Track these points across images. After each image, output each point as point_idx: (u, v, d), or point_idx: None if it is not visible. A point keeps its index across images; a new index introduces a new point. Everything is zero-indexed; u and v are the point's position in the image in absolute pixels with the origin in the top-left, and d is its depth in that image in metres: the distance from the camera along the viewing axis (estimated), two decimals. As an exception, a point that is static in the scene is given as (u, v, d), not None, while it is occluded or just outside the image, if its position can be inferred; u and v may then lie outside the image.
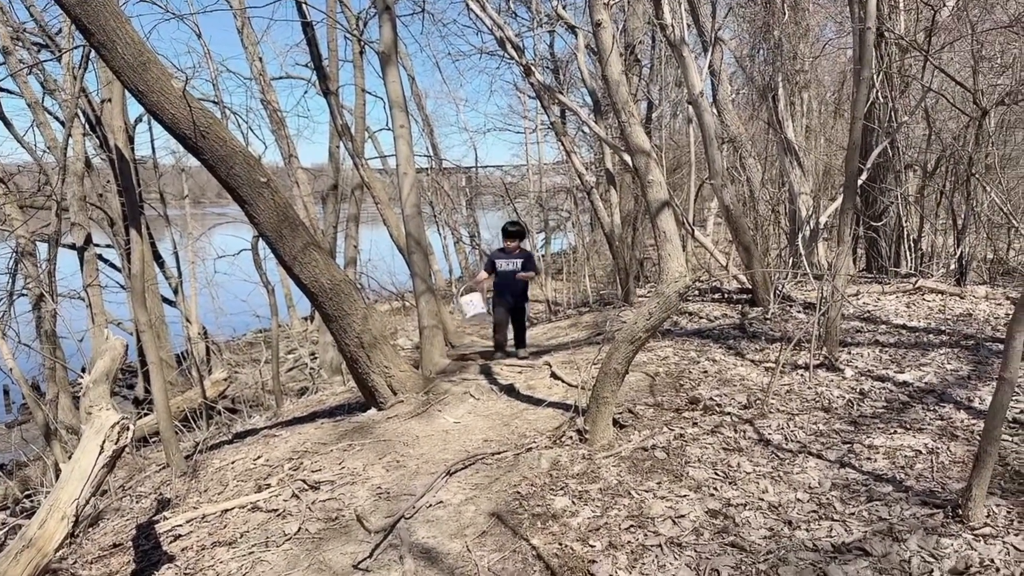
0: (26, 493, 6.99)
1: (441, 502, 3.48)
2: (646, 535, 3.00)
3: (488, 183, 19.91)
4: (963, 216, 8.18)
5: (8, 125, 9.93)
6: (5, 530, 5.11)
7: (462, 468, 3.88)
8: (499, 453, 4.06)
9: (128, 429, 2.72)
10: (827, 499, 3.18)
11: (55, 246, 9.19)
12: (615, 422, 4.24)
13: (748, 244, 7.06)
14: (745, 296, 7.69)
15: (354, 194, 12.20)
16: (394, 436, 4.57)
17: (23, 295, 9.60)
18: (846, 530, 2.90)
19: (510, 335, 6.75)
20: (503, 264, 6.37)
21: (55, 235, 9.14)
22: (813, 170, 11.04)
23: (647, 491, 3.41)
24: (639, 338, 3.83)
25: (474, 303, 6.56)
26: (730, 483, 3.43)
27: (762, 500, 3.23)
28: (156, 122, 4.26)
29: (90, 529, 4.16)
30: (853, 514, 3.03)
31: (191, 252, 13.82)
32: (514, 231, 6.40)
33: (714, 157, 6.86)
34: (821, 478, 3.39)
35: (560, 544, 2.98)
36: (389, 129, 14.45)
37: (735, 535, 2.95)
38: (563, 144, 9.37)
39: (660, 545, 2.91)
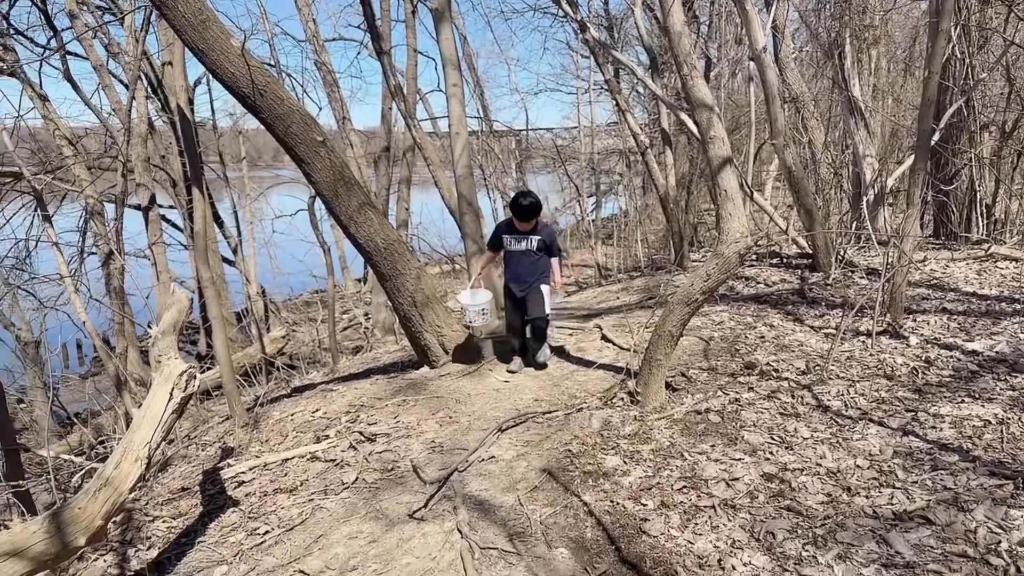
0: (99, 439, 7.40)
1: (493, 457, 3.52)
2: (699, 496, 2.98)
3: (539, 145, 19.68)
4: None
5: (76, 88, 10.24)
6: (82, 472, 5.44)
7: (513, 425, 3.92)
8: (550, 412, 4.08)
9: (195, 378, 2.83)
10: (888, 467, 3.10)
11: (121, 206, 9.52)
12: (667, 385, 4.20)
13: (810, 207, 6.82)
14: (805, 261, 7.47)
15: (405, 156, 12.25)
16: (446, 393, 4.64)
17: (93, 253, 10.03)
18: (908, 498, 2.83)
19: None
20: (513, 244, 4.83)
21: (121, 195, 9.47)
22: (879, 132, 10.54)
23: (700, 453, 3.38)
24: (696, 300, 3.76)
25: (472, 309, 4.84)
26: (786, 448, 3.37)
27: (820, 466, 3.17)
28: (216, 80, 4.32)
29: (160, 474, 4.38)
30: (916, 482, 2.95)
31: (249, 213, 14.15)
32: (528, 207, 4.59)
33: (776, 116, 6.61)
34: (882, 445, 3.30)
35: (612, 501, 3.00)
36: (440, 91, 14.37)
37: (791, 499, 2.90)
38: (617, 102, 9.16)
39: (713, 506, 2.89)
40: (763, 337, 5.15)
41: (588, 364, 4.97)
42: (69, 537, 2.37)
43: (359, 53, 32.07)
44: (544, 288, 4.83)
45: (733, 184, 3.45)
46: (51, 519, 2.39)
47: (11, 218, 8.97)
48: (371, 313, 12.47)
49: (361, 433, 4.01)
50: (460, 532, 2.81)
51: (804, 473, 3.11)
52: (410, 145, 11.70)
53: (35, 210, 9.01)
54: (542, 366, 5.02)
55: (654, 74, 9.16)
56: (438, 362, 5.37)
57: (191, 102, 11.60)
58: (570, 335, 5.96)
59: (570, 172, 17.02)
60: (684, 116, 7.41)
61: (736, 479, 3.10)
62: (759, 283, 6.91)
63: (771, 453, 3.33)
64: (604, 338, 5.65)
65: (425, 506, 3.07)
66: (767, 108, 6.74)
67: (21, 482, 4.04)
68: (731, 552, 2.57)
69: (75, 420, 8.64)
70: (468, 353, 5.36)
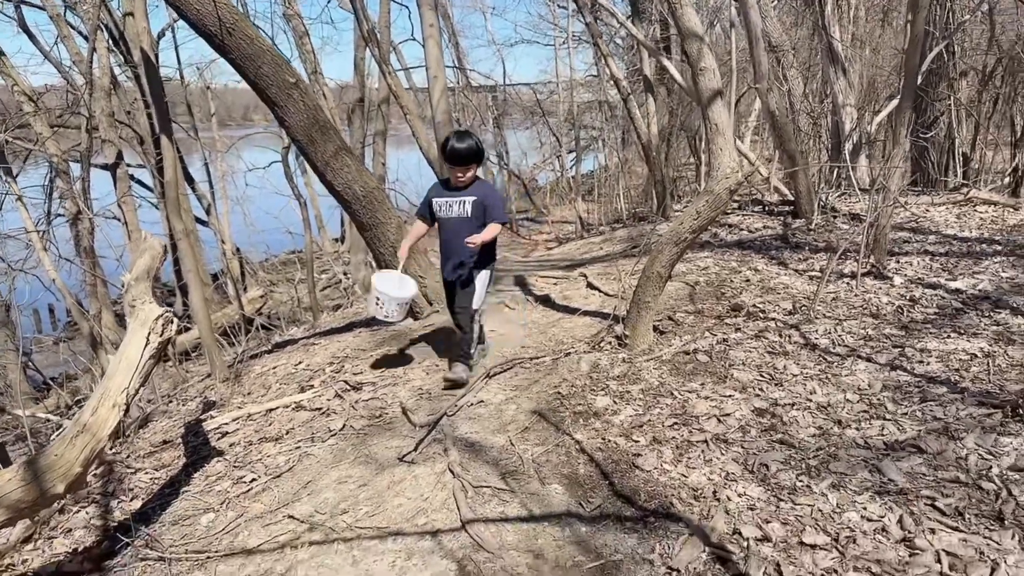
0: (76, 400, 7.25)
1: (482, 401, 3.48)
2: (691, 432, 2.97)
3: (516, 100, 19.30)
4: (1021, 124, 7.74)
5: (33, 39, 9.79)
6: (60, 431, 5.32)
7: (501, 371, 3.87)
8: (537, 358, 4.04)
9: (172, 322, 2.72)
10: (878, 400, 3.11)
11: (87, 163, 9.18)
12: (655, 328, 4.17)
13: (793, 152, 6.76)
14: (787, 208, 7.45)
15: (380, 109, 11.93)
16: (432, 343, 4.57)
17: (60, 215, 9.72)
18: (899, 429, 2.84)
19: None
20: (445, 207, 3.69)
21: (87, 152, 9.12)
22: (858, 82, 10.46)
23: (690, 392, 3.36)
24: (685, 239, 3.70)
25: (383, 300, 3.61)
26: (776, 384, 3.37)
27: (810, 401, 3.17)
28: (181, 19, 4.10)
29: (140, 430, 4.28)
30: (906, 414, 2.96)
31: (221, 169, 13.75)
32: (463, 150, 3.49)
33: (760, 59, 6.47)
34: (871, 380, 3.31)
35: (603, 439, 2.97)
36: (415, 39, 13.98)
37: (783, 433, 2.90)
38: (598, 46, 8.93)
39: (706, 441, 2.88)
40: (748, 281, 5.14)
41: (573, 311, 4.93)
42: (47, 484, 2.29)
43: (330, 1, 31.24)
44: (482, 275, 3.73)
45: (724, 118, 3.36)
46: (27, 466, 2.29)
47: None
48: (350, 272, 12.30)
49: (347, 382, 3.94)
50: (452, 472, 2.77)
51: (795, 408, 3.11)
52: (385, 97, 11.40)
53: (-4, 168, 8.67)
54: (453, 384, 3.67)
55: (635, 20, 8.95)
56: (422, 313, 5.28)
57: (155, 52, 11.13)
58: (555, 284, 5.90)
59: (550, 125, 16.72)
60: (666, 62, 7.26)
61: (727, 415, 3.09)
62: (742, 230, 6.89)
63: (761, 390, 3.33)
64: (590, 286, 5.60)
65: (415, 449, 3.02)
66: (750, 51, 6.61)
67: (-5, 438, 3.92)
68: (725, 484, 2.56)
69: (51, 384, 8.46)
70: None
